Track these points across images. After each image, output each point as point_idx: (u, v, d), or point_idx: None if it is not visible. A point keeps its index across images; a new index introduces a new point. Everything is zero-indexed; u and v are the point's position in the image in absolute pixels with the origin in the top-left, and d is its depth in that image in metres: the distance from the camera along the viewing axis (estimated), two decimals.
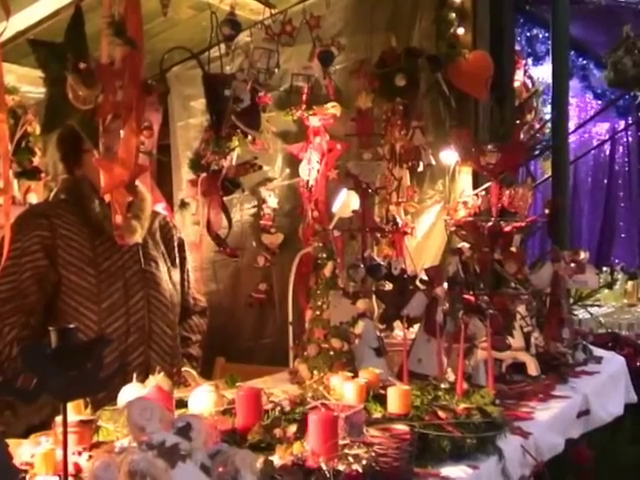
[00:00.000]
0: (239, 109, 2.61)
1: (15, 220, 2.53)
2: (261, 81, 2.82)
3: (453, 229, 3.57)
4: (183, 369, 2.41)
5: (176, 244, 2.95)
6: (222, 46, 2.95)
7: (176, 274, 2.91)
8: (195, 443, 1.39)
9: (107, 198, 2.44)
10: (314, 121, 3.89)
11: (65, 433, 1.41)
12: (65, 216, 2.64)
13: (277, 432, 1.85)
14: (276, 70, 2.94)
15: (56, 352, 1.41)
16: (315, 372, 2.42)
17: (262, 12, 3.35)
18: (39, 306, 2.61)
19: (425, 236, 4.11)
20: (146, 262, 2.74)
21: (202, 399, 2.02)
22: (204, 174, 2.48)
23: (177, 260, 2.93)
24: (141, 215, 2.69)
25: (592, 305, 4.82)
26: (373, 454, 1.72)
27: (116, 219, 2.16)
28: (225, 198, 3.61)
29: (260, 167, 2.69)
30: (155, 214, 2.89)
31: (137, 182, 2.44)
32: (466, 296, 3.05)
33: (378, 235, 3.62)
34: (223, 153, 2.52)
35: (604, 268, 5.71)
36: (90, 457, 1.65)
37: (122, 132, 2.12)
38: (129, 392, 1.95)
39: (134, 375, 2.12)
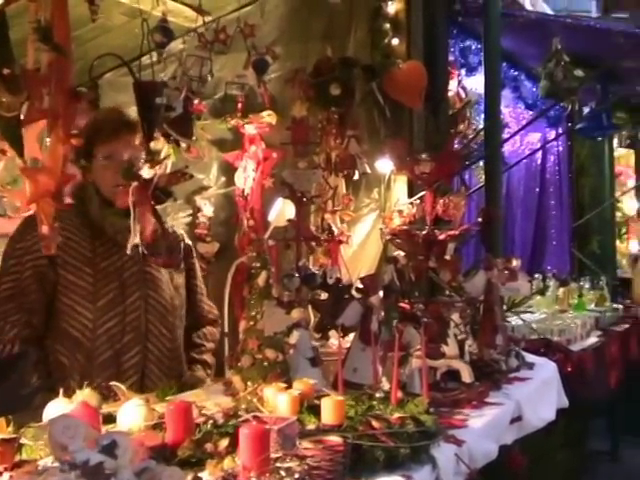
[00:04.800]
0: (171, 117, 2.57)
1: (21, 221, 2.68)
2: (194, 89, 2.78)
3: (388, 237, 3.58)
4: (114, 383, 2.34)
5: (182, 249, 2.97)
6: (154, 53, 2.90)
7: (180, 278, 2.93)
8: (121, 461, 1.36)
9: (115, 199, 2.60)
10: (250, 129, 3.87)
11: None
12: (69, 218, 2.67)
13: (208, 447, 1.81)
14: (209, 78, 2.90)
15: None
16: (249, 383, 2.38)
17: (196, 20, 3.31)
18: (39, 305, 2.64)
19: (361, 244, 4.12)
20: (146, 263, 2.75)
21: (131, 414, 1.97)
22: (135, 183, 2.43)
23: (182, 265, 2.96)
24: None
25: (525, 312, 4.90)
26: (306, 467, 1.70)
27: (42, 229, 2.09)
28: (159, 207, 3.56)
29: (191, 176, 2.64)
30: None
31: None
32: (401, 304, 3.07)
33: (314, 244, 3.61)
34: (155, 162, 2.47)
35: (537, 275, 5.80)
36: (11, 477, 1.59)
37: (48, 140, 2.06)
38: (55, 408, 1.89)
39: (129, 375, 2.12)
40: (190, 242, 3.16)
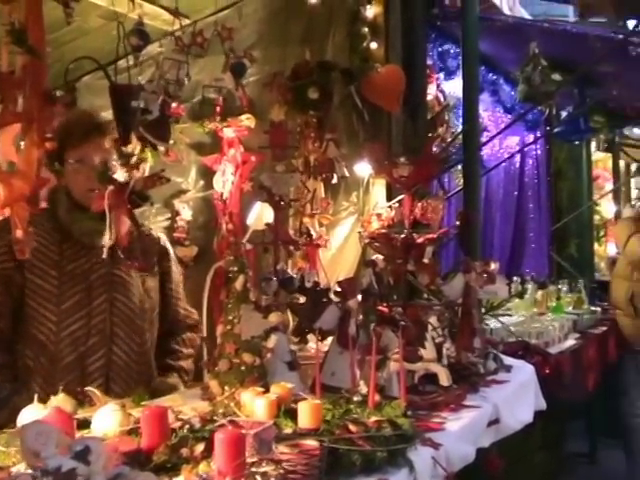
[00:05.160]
0: (148, 121, 2.56)
1: None
2: (171, 92, 2.77)
3: (367, 241, 3.59)
4: (89, 389, 2.32)
5: (156, 252, 2.95)
6: (131, 57, 2.89)
7: (152, 281, 2.90)
8: (94, 467, 1.35)
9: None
10: (228, 133, 3.86)
11: None
12: (40, 222, 2.63)
13: (184, 452, 1.80)
14: (186, 81, 2.89)
15: None
16: (226, 388, 2.37)
17: (173, 23, 3.30)
18: (6, 309, 2.62)
19: (340, 248, 4.12)
20: (114, 265, 2.73)
21: (107, 419, 1.96)
22: (111, 187, 2.43)
23: (156, 268, 2.93)
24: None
25: (503, 315, 4.92)
26: (282, 471, 1.70)
27: (17, 233, 2.08)
28: (137, 210, 3.54)
29: (168, 180, 2.64)
30: None
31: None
32: (380, 308, 3.07)
33: (292, 248, 3.60)
34: (131, 165, 2.46)
35: (515, 278, 5.83)
36: None
37: (22, 144, 2.05)
38: (29, 414, 1.88)
39: (94, 378, 2.11)
40: (169, 245, 3.13)
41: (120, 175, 2.39)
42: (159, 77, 2.75)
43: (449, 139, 4.74)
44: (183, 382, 2.94)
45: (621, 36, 4.66)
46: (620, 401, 5.43)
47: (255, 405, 2.10)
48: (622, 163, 9.81)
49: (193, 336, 3.08)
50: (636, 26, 4.41)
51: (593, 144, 8.23)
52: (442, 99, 5.21)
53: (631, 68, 5.25)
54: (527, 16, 6.59)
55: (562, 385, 4.24)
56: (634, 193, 9.77)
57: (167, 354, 2.99)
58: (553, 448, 4.52)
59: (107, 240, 2.57)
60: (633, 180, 6.70)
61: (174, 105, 3.35)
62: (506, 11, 5.92)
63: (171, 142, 3.57)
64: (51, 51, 3.57)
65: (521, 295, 5.65)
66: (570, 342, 5.02)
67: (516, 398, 3.22)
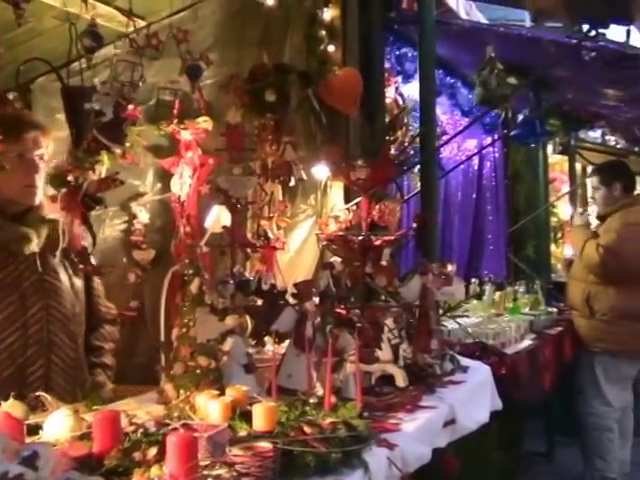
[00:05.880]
0: (101, 123, 2.54)
1: None
2: (125, 94, 2.75)
3: (325, 243, 3.60)
4: (41, 394, 2.29)
5: (61, 249, 2.82)
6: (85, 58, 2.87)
7: (79, 282, 2.85)
8: (42, 472, 1.33)
9: None
10: (186, 135, 3.83)
11: None
12: None
13: (137, 455, 1.79)
14: (141, 83, 2.87)
15: None
16: (181, 391, 2.36)
17: (127, 24, 3.28)
18: None
19: (298, 251, 4.12)
20: (45, 271, 2.67)
21: (58, 424, 1.93)
22: (64, 190, 2.40)
23: (67, 266, 2.85)
24: (37, 223, 2.62)
25: (461, 316, 4.97)
26: (235, 474, 1.70)
27: None
28: (94, 213, 3.50)
29: (122, 182, 2.62)
30: (54, 222, 2.79)
31: (37, 188, 2.50)
32: (337, 310, 3.09)
33: (249, 250, 3.60)
34: (84, 168, 2.44)
35: (473, 279, 5.88)
36: None
37: None
38: None
39: (34, 388, 2.07)
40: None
41: (74, 178, 2.36)
42: (113, 79, 2.72)
43: (407, 142, 4.77)
44: (108, 378, 2.91)
45: (575, 41, 4.72)
46: (576, 400, 5.51)
47: (209, 408, 2.10)
48: (579, 166, 9.96)
49: (112, 330, 3.06)
50: (589, 31, 4.48)
51: (550, 147, 8.34)
52: (401, 102, 5.23)
53: (584, 72, 5.33)
54: (484, 20, 6.65)
55: (518, 385, 4.29)
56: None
57: (90, 351, 2.95)
58: (510, 447, 4.57)
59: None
60: (588, 181, 6.80)
61: (130, 107, 3.33)
62: (463, 15, 5.96)
63: (127, 145, 3.55)
64: (4, 52, 3.53)
65: (479, 296, 5.71)
66: (527, 342, 5.08)
67: (472, 398, 3.26)
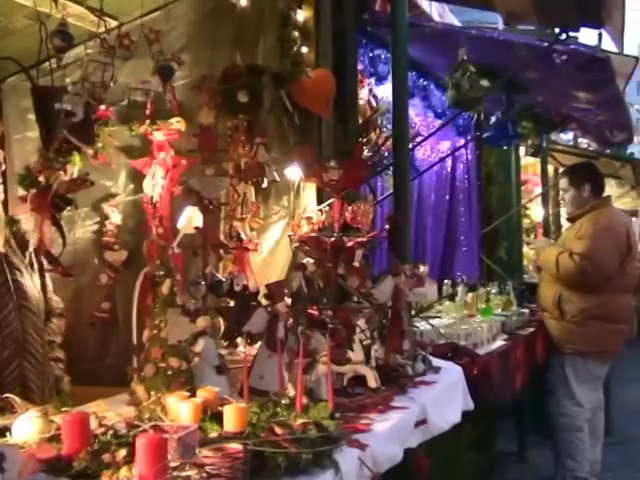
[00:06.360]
0: (72, 123, 2.52)
1: None
2: (96, 95, 2.73)
3: (297, 244, 3.61)
4: (9, 395, 2.27)
5: (32, 249, 2.87)
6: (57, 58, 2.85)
7: (37, 278, 2.86)
8: (8, 474, 1.33)
9: None
10: (158, 136, 3.82)
11: None
12: None
13: (106, 457, 1.78)
14: (112, 84, 2.86)
15: None
16: (152, 393, 2.35)
17: (99, 24, 3.26)
18: None
19: (271, 252, 4.12)
20: (11, 271, 2.67)
21: (27, 426, 1.92)
22: (34, 190, 2.38)
23: (35, 265, 2.87)
24: None
25: (434, 317, 5.00)
26: (205, 475, 1.70)
27: None
28: (65, 214, 3.48)
29: (92, 183, 2.61)
30: (12, 222, 2.77)
31: None
32: (310, 311, 3.09)
33: (222, 252, 3.59)
34: (55, 168, 2.42)
35: (446, 281, 5.91)
36: None
37: None
38: None
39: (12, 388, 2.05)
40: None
41: (43, 179, 2.34)
42: (84, 79, 2.70)
43: (381, 143, 4.78)
44: (62, 371, 2.92)
45: (546, 44, 4.76)
46: (548, 400, 5.55)
47: (180, 409, 2.09)
48: (551, 168, 10.04)
49: (60, 323, 3.07)
50: (559, 34, 4.52)
51: (522, 149, 8.40)
52: (374, 104, 5.24)
53: (556, 75, 5.38)
54: (457, 23, 6.68)
55: (490, 385, 4.31)
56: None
57: None
58: (482, 447, 4.59)
59: (32, 245, 2.53)
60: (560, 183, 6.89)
61: (101, 108, 3.31)
62: (436, 18, 5.97)
63: (99, 145, 3.54)
64: None
65: (452, 297, 5.73)
66: (498, 343, 5.10)
67: (444, 399, 3.28)
